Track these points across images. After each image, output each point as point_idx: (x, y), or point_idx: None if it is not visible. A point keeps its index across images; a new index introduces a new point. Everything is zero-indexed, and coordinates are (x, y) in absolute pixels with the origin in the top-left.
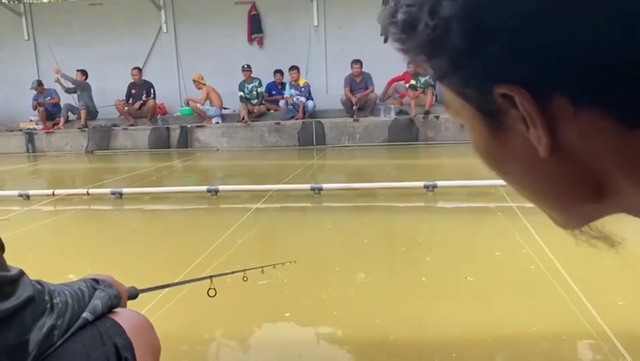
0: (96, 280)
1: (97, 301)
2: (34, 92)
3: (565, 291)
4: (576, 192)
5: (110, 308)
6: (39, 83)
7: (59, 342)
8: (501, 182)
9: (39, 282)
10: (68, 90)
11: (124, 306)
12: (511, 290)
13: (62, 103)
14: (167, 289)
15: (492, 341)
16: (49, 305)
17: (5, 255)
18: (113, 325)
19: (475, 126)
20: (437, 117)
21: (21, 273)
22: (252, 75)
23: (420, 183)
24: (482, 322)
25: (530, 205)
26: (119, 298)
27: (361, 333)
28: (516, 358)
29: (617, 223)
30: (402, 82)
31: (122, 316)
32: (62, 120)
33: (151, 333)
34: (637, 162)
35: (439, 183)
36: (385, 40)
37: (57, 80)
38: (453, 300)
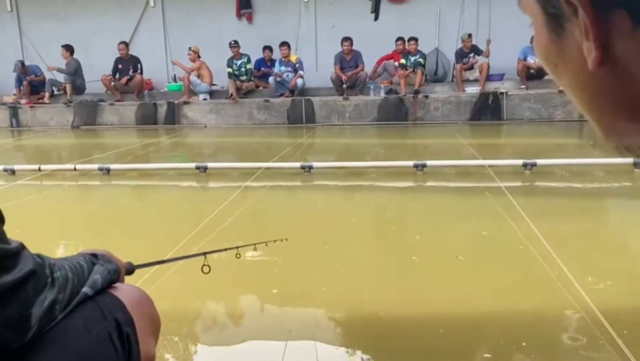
0: (95, 255)
1: (97, 276)
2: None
3: (553, 270)
4: (619, 109)
5: (109, 283)
6: (22, 64)
7: (59, 317)
8: (490, 161)
9: (38, 255)
10: (59, 70)
11: (122, 281)
12: (499, 269)
13: (47, 77)
14: (156, 266)
15: (479, 318)
16: (49, 279)
17: None
18: (113, 300)
19: (539, 26)
20: (426, 97)
21: (22, 246)
22: (240, 51)
23: (410, 163)
24: (470, 300)
25: (517, 184)
26: (118, 272)
27: (350, 310)
28: (503, 335)
29: (615, 209)
30: (392, 61)
31: (122, 291)
32: (47, 94)
33: (151, 307)
34: None
35: (429, 162)
36: (376, 18)
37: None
38: (443, 278)
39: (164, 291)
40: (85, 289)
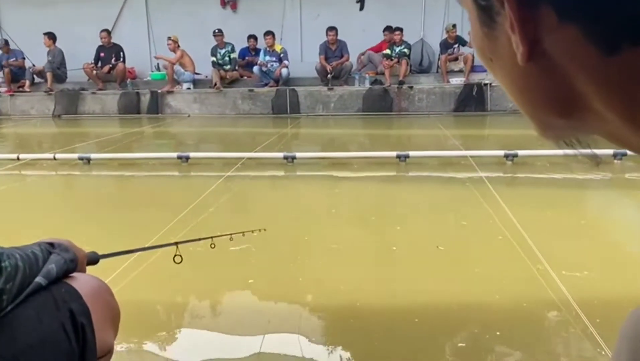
0: (51, 244)
1: (52, 266)
2: None
3: (531, 260)
4: (550, 104)
5: (65, 273)
6: (5, 42)
7: (8, 307)
8: (472, 152)
9: None
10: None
11: (83, 271)
12: (478, 259)
13: (27, 65)
14: (135, 255)
15: (455, 308)
16: None
17: None
18: (69, 290)
19: (473, 18)
20: (411, 88)
21: None
22: (224, 40)
23: (393, 153)
24: (447, 289)
25: (499, 174)
26: (75, 262)
27: (327, 299)
28: (479, 324)
29: (606, 200)
30: (379, 53)
31: (79, 281)
32: (27, 82)
33: (109, 298)
34: (611, 88)
35: (411, 153)
36: (362, 8)
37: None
38: (422, 268)
39: (140, 283)
40: (39, 279)
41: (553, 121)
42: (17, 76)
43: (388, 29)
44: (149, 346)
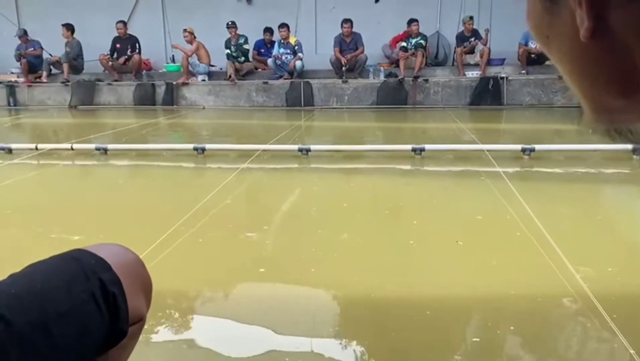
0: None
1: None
2: (17, 42)
3: (549, 255)
4: (611, 83)
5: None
6: (24, 32)
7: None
8: (489, 146)
9: None
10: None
11: None
12: (495, 253)
13: (44, 56)
14: (155, 244)
15: (471, 302)
16: None
17: None
18: (98, 261)
19: None
20: (426, 81)
21: None
22: (238, 32)
23: (408, 146)
24: (463, 283)
25: (516, 169)
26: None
27: (340, 291)
28: (494, 318)
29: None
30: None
31: (108, 251)
32: (44, 73)
33: (141, 268)
34: None
35: (427, 146)
36: (377, 0)
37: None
38: (442, 262)
39: (159, 270)
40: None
41: (612, 102)
42: (34, 67)
43: (414, 20)
44: (161, 333)
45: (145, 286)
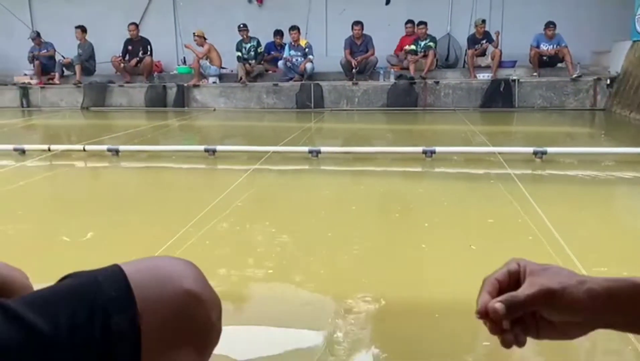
0: None
1: None
2: (31, 44)
3: (563, 259)
4: None
5: None
6: (38, 34)
7: None
8: (500, 149)
9: None
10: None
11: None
12: (506, 257)
13: (57, 57)
14: (169, 243)
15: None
16: None
17: None
18: (122, 292)
19: None
20: (437, 83)
21: None
22: (249, 34)
23: (419, 149)
24: (474, 288)
25: (527, 171)
26: None
27: (349, 294)
28: None
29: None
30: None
31: (151, 275)
32: (57, 75)
33: (196, 306)
34: None
35: (438, 149)
36: (387, 2)
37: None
38: (455, 266)
39: None
40: None
41: None
42: (47, 68)
43: (410, 21)
44: None
45: (199, 335)
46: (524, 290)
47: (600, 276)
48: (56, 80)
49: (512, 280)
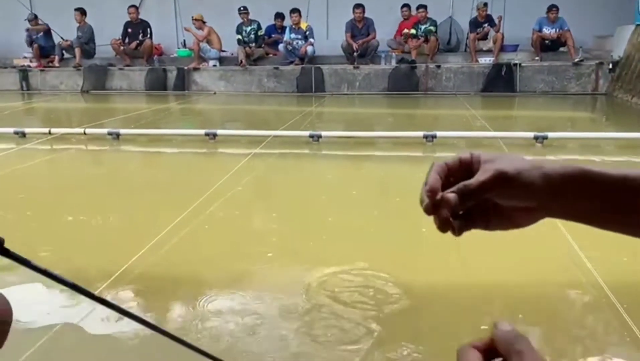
0: None
1: None
2: (27, 26)
3: (562, 244)
4: None
5: None
6: (35, 16)
7: None
8: (501, 133)
9: None
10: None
11: None
12: (507, 243)
13: (56, 40)
14: (167, 229)
15: (480, 290)
16: None
17: None
18: None
19: None
20: (438, 67)
21: None
22: (249, 17)
23: (420, 133)
24: (474, 272)
25: (529, 156)
26: None
27: (350, 276)
28: (502, 307)
29: None
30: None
31: None
32: (56, 57)
33: None
34: None
35: (439, 133)
36: None
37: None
38: (452, 250)
39: (171, 256)
40: None
41: None
42: (46, 51)
43: (405, 5)
44: (169, 312)
45: None
46: (478, 177)
47: (555, 163)
48: (56, 63)
49: (463, 167)
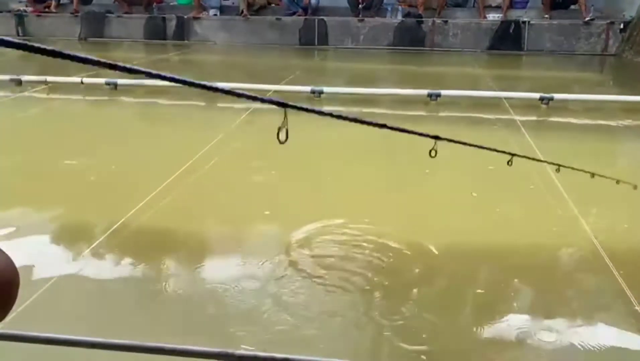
0: None
1: None
2: None
3: (562, 209)
4: None
5: None
6: None
7: None
8: (506, 93)
9: None
10: None
11: None
12: (508, 206)
13: None
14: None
15: (478, 249)
16: None
17: None
18: None
19: None
20: (445, 22)
21: None
22: None
23: (424, 91)
24: (473, 231)
25: (532, 117)
26: None
27: (348, 237)
28: (503, 270)
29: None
30: None
31: None
32: (53, 3)
33: None
34: None
35: (443, 92)
36: None
37: None
38: (453, 211)
39: (169, 210)
40: None
41: None
42: None
43: None
44: (170, 271)
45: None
46: None
47: None
48: (52, 9)
49: None
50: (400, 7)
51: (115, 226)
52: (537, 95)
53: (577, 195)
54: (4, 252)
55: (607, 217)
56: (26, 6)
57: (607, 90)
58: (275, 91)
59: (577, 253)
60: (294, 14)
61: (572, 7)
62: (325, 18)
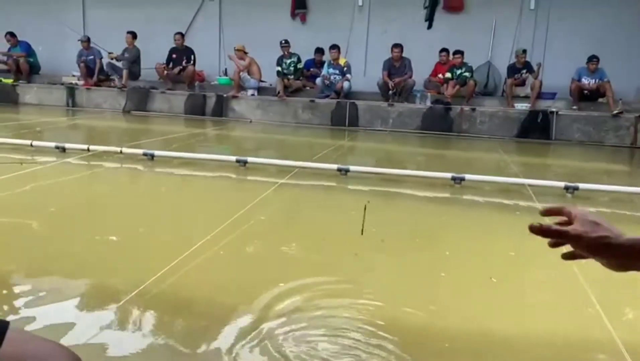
0: None
1: None
2: (79, 47)
3: (584, 303)
4: None
5: None
6: (88, 39)
7: None
8: (530, 181)
9: None
10: (118, 58)
11: None
12: (527, 295)
13: (104, 63)
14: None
15: (494, 341)
16: None
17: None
18: None
19: None
20: (473, 109)
21: None
22: (290, 50)
23: (448, 175)
24: (488, 322)
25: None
26: None
27: (364, 316)
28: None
29: None
30: (438, 76)
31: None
32: (116, 79)
33: None
34: None
35: (467, 176)
36: (429, 27)
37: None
38: (470, 296)
39: (186, 278)
40: None
41: None
42: (92, 70)
43: (444, 50)
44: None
45: None
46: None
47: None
48: (117, 83)
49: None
50: (429, 94)
51: (137, 290)
52: (562, 184)
53: (599, 287)
54: (68, 349)
55: (632, 314)
56: (78, 79)
57: (635, 182)
58: (303, 167)
59: (595, 347)
60: (327, 96)
61: (600, 100)
62: (356, 101)
